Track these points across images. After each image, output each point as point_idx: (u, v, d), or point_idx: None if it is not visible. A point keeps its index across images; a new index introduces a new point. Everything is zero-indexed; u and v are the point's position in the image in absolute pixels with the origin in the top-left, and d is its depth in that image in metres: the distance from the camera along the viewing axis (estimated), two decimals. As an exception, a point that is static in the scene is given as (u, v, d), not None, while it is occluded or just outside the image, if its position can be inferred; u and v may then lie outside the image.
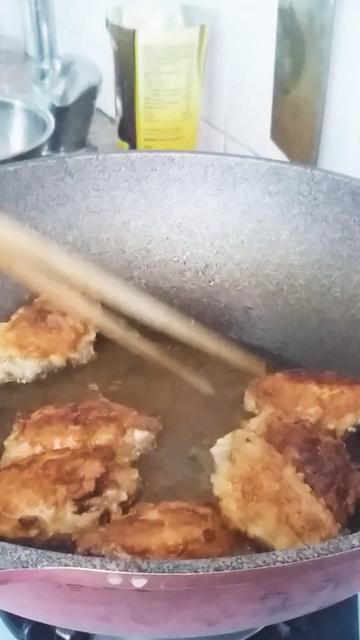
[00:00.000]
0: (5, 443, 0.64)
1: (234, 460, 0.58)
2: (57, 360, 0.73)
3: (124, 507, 0.58)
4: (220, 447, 0.60)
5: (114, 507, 0.57)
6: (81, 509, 0.56)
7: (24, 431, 0.64)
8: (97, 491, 0.57)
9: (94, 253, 0.82)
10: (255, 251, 0.81)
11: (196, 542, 0.52)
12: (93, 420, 0.64)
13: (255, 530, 0.54)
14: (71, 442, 0.62)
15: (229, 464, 0.58)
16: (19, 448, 0.63)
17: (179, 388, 0.72)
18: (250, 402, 0.70)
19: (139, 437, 0.64)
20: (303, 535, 0.54)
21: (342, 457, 0.60)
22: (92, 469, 0.57)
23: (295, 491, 0.56)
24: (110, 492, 0.57)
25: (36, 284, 0.65)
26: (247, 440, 0.59)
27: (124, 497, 0.58)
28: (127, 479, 0.59)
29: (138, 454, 0.64)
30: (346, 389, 0.66)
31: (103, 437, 0.63)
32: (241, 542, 0.54)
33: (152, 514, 0.54)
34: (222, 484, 0.57)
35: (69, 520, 0.55)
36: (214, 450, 0.61)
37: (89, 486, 0.56)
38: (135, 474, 0.60)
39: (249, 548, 0.55)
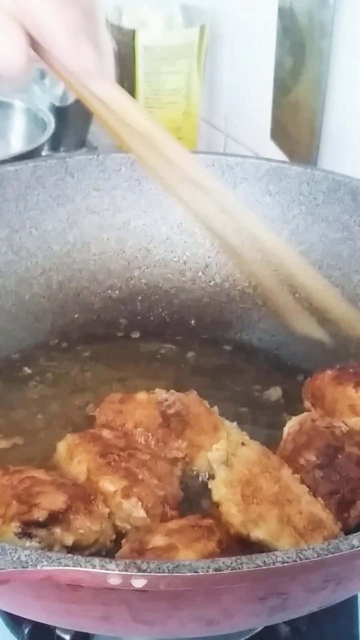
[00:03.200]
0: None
1: (231, 464, 0.58)
2: None
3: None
4: (216, 452, 0.59)
5: (57, 547, 0.53)
6: (24, 534, 0.52)
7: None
8: (47, 524, 0.53)
9: (94, 253, 0.82)
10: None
11: (212, 554, 0.50)
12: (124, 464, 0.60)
13: (258, 533, 0.53)
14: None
15: (226, 469, 0.57)
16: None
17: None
18: (306, 403, 0.69)
19: (138, 513, 0.58)
20: (305, 536, 0.53)
21: None
22: (52, 501, 0.54)
23: (295, 492, 0.56)
24: (57, 531, 0.53)
25: None
26: (243, 444, 0.59)
27: (68, 541, 0.53)
28: (86, 527, 0.54)
29: (128, 527, 0.58)
30: None
31: (106, 483, 0.59)
32: (248, 544, 0.54)
33: (158, 540, 0.52)
34: (221, 489, 0.56)
35: (10, 539, 0.52)
36: (210, 455, 0.60)
37: (39, 515, 0.53)
38: (97, 526, 0.55)
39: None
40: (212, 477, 0.58)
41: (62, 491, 0.55)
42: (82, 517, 0.54)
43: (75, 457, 0.62)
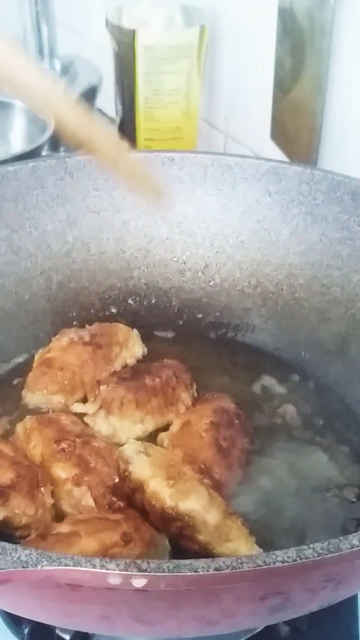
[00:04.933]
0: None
1: (148, 455, 0.58)
2: None
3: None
4: (133, 445, 0.59)
5: None
6: None
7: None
8: None
9: (94, 253, 0.82)
10: (255, 251, 0.81)
11: (115, 546, 0.52)
12: (85, 447, 0.63)
13: (189, 504, 0.55)
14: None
15: (146, 457, 0.58)
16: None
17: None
18: None
19: (87, 502, 0.60)
20: (230, 516, 0.56)
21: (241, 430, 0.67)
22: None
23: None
24: None
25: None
26: (150, 449, 0.60)
27: None
28: (21, 509, 0.57)
29: (78, 514, 0.60)
30: None
31: (58, 470, 0.61)
32: (156, 540, 0.55)
33: (64, 527, 0.54)
34: (146, 468, 0.57)
35: None
36: (126, 447, 0.59)
37: None
38: (32, 511, 0.57)
39: (167, 544, 0.56)
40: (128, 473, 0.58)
41: (13, 469, 0.58)
42: (21, 498, 0.57)
43: (32, 441, 0.64)
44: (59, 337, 0.75)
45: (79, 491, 0.60)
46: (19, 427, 0.67)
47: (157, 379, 0.70)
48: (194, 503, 0.55)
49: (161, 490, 0.55)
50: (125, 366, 0.75)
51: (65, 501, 0.60)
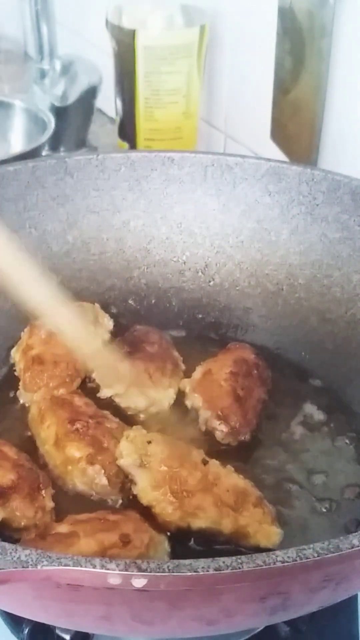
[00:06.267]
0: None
1: (148, 465, 0.59)
2: None
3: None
4: (128, 458, 0.60)
5: None
6: None
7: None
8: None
9: (94, 253, 0.82)
10: (255, 251, 0.81)
11: (113, 547, 0.53)
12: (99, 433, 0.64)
13: (200, 523, 0.57)
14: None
15: (144, 471, 0.59)
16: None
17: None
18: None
19: (100, 480, 0.62)
20: (238, 509, 0.57)
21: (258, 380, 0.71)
22: (1, 475, 0.58)
23: (212, 470, 0.59)
24: None
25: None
26: (149, 442, 0.60)
27: None
28: (20, 510, 0.57)
29: (92, 493, 0.62)
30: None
31: (73, 449, 0.63)
32: (156, 542, 0.55)
33: (63, 528, 0.55)
34: (148, 493, 0.58)
35: None
36: (122, 462, 0.60)
37: None
38: (31, 513, 0.58)
39: (166, 546, 0.56)
40: (132, 482, 0.60)
41: (15, 471, 0.59)
42: (21, 500, 0.58)
43: (46, 421, 0.65)
44: (30, 330, 0.75)
45: (92, 470, 0.62)
46: (33, 408, 0.68)
47: (155, 345, 0.74)
48: (204, 521, 0.57)
49: (169, 517, 0.57)
50: (106, 342, 0.76)
51: (79, 480, 0.62)
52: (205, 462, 0.60)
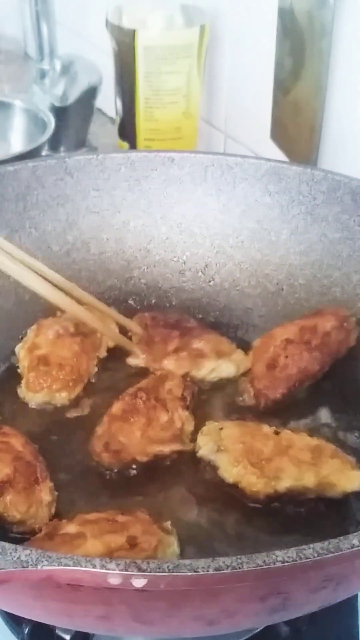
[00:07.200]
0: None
1: (225, 449, 0.62)
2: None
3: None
4: (205, 447, 0.63)
5: None
6: None
7: None
8: None
9: (94, 253, 0.82)
10: (255, 251, 0.81)
11: (120, 549, 0.52)
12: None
13: (284, 483, 0.59)
14: None
15: (222, 454, 0.62)
16: None
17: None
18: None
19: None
20: (318, 464, 0.60)
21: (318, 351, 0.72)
22: None
23: (284, 437, 0.62)
24: None
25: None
26: (221, 428, 0.64)
27: None
28: (14, 504, 0.57)
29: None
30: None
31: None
32: (164, 545, 0.55)
33: (71, 528, 0.55)
34: (231, 471, 0.61)
35: None
36: (201, 452, 0.64)
37: None
38: (24, 508, 0.58)
39: (176, 548, 0.56)
40: (215, 468, 0.62)
41: (12, 464, 0.59)
42: (16, 493, 0.58)
43: None
44: (38, 329, 0.75)
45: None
46: None
47: (176, 331, 0.76)
48: (288, 481, 0.59)
49: (255, 487, 0.60)
50: (108, 349, 0.76)
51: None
52: (277, 433, 0.63)
